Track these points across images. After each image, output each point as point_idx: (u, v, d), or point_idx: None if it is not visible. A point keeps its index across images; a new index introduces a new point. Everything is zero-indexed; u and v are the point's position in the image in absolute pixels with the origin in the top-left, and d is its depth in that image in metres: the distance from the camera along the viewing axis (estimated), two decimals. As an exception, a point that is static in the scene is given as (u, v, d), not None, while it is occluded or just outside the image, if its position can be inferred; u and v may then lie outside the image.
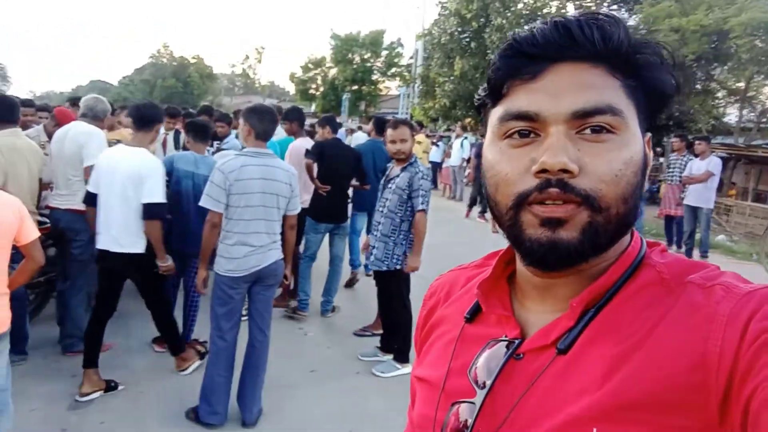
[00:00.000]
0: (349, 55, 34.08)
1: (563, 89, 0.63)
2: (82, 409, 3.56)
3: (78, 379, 3.75)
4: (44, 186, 4.28)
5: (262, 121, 3.27)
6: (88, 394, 3.63)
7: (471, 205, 11.59)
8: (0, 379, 2.64)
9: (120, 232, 3.58)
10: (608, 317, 0.63)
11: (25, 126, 5.27)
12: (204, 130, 4.49)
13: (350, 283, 6.36)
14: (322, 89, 35.38)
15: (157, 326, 4.01)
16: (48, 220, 4.31)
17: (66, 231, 4.23)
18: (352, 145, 7.22)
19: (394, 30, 67.69)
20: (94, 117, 4.41)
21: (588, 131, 0.62)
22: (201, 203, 3.27)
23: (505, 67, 0.66)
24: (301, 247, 5.39)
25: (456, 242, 8.69)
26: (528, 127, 0.64)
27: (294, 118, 5.75)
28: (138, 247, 3.62)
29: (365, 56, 34.52)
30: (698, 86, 17.21)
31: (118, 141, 5.91)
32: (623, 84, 0.64)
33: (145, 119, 3.67)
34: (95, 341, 3.72)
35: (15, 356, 4.01)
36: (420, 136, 13.46)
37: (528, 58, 0.64)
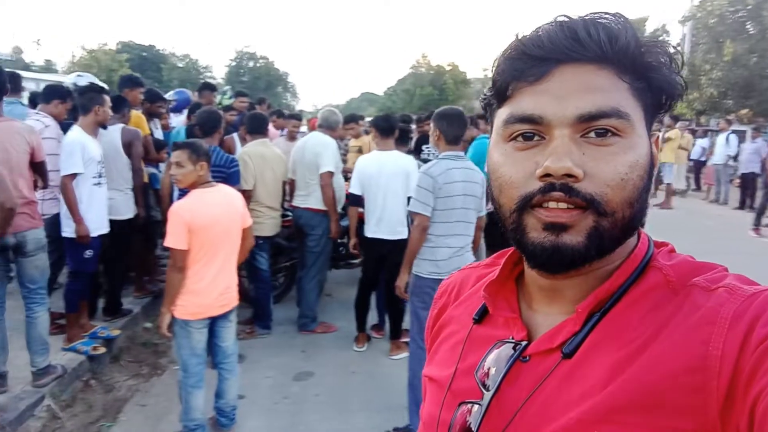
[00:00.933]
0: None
1: (569, 92, 0.61)
2: (303, 381, 4.14)
3: (307, 354, 4.41)
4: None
5: (452, 125, 3.37)
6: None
7: (759, 216, 9.59)
8: (231, 345, 3.24)
9: (392, 222, 4.27)
10: (613, 322, 0.63)
11: (292, 137, 6.25)
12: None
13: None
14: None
15: (387, 311, 4.49)
16: (290, 214, 5.07)
17: (303, 226, 4.93)
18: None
19: (657, 17, 61.49)
20: (328, 127, 5.04)
21: (593, 135, 0.61)
22: (410, 208, 3.41)
23: (509, 69, 0.65)
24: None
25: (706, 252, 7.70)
26: (532, 130, 0.63)
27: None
28: (405, 233, 4.10)
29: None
30: None
31: (360, 147, 6.66)
32: (631, 86, 0.63)
33: (387, 129, 4.38)
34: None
35: (261, 330, 4.84)
36: (674, 131, 12.18)
37: (533, 59, 0.63)
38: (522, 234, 0.64)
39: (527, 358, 0.67)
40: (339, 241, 5.60)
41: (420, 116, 7.41)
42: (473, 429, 0.66)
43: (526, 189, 0.63)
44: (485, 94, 0.72)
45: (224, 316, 3.15)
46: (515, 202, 0.64)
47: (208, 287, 2.99)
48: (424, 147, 6.15)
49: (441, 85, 47.22)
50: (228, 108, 6.46)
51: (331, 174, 4.76)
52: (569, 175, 0.60)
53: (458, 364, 0.74)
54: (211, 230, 2.94)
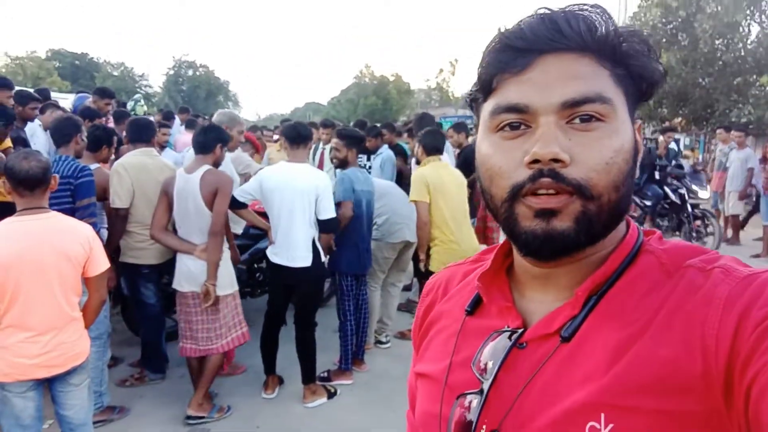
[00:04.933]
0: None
1: (552, 80, 0.63)
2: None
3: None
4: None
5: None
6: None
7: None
8: (79, 414, 2.53)
9: (296, 247, 3.62)
10: (610, 304, 0.64)
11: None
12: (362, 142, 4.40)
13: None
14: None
15: (298, 351, 3.86)
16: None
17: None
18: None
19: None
20: None
21: (578, 121, 0.63)
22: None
23: (494, 61, 0.67)
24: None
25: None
26: (518, 119, 0.65)
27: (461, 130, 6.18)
28: (310, 260, 3.64)
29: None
30: None
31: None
32: (612, 73, 0.65)
33: (297, 138, 3.74)
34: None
35: (153, 375, 4.10)
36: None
37: (516, 51, 0.65)
38: (514, 223, 0.65)
39: (524, 344, 0.67)
40: (256, 266, 4.97)
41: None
42: (473, 420, 0.66)
43: (516, 178, 0.64)
44: (471, 90, 0.73)
45: (62, 378, 2.43)
46: (506, 191, 0.65)
47: (22, 343, 2.29)
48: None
49: (385, 95, 47.33)
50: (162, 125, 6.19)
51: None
52: (556, 161, 0.61)
53: (453, 357, 0.74)
54: (11, 271, 2.24)
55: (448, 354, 0.74)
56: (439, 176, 4.07)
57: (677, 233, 8.61)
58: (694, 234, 8.40)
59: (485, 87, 0.68)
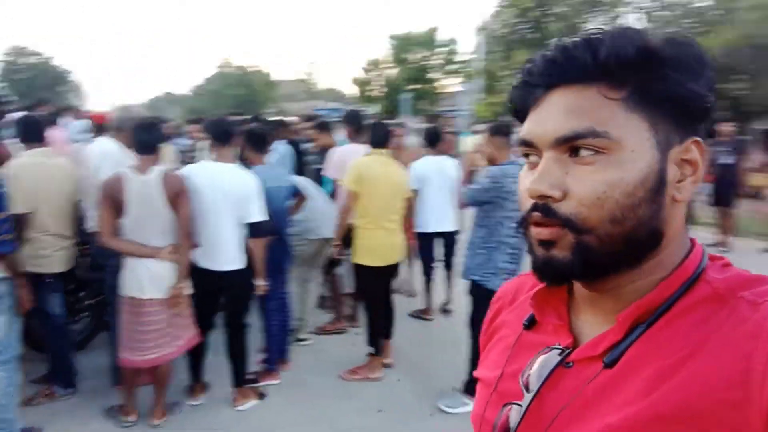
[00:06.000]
0: (407, 55, 33.66)
1: (550, 116, 0.65)
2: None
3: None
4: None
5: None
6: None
7: None
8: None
9: (226, 250, 3.55)
10: (657, 334, 0.63)
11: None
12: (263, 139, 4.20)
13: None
14: (385, 90, 35.05)
15: (229, 353, 3.78)
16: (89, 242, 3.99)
17: (97, 256, 3.89)
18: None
19: (448, 26, 67.15)
20: (120, 129, 3.97)
21: (577, 154, 0.63)
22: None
23: (515, 97, 0.70)
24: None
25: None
26: (530, 152, 0.68)
27: (350, 122, 5.40)
28: (240, 263, 3.59)
29: (422, 55, 34.00)
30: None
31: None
32: (627, 99, 0.63)
33: (222, 135, 3.61)
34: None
35: (62, 390, 3.79)
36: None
37: (529, 86, 0.67)
38: (529, 247, 0.68)
39: (570, 364, 0.68)
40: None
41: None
42: (512, 430, 0.68)
43: (525, 206, 0.67)
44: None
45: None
46: (522, 217, 0.68)
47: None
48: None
49: (249, 86, 46.18)
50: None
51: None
52: (547, 196, 0.63)
53: (505, 366, 0.76)
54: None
55: (503, 363, 0.77)
56: (374, 168, 4.07)
57: None
58: None
59: (519, 118, 0.71)
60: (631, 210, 0.62)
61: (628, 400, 0.61)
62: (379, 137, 4.17)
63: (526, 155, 0.69)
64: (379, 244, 4.10)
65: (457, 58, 32.59)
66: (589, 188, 0.62)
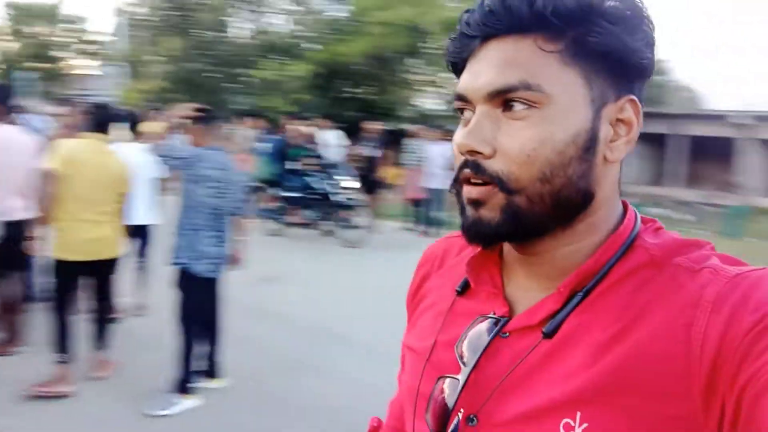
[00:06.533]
0: (27, 28, 28.87)
1: (484, 68, 0.62)
2: None
3: None
4: None
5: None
6: None
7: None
8: None
9: None
10: (596, 302, 0.62)
11: None
12: None
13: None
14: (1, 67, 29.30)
15: None
16: None
17: None
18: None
19: (75, 2, 59.85)
20: None
21: (510, 109, 0.61)
22: None
23: (452, 50, 0.67)
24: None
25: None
26: (464, 107, 0.66)
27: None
28: None
29: (46, 30, 29.64)
30: (400, 78, 19.01)
31: None
32: (563, 52, 0.61)
33: None
34: None
35: None
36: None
37: (466, 38, 0.65)
38: (459, 207, 0.67)
39: (507, 334, 0.67)
40: None
41: None
42: (450, 404, 0.66)
43: (458, 163, 0.65)
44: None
45: None
46: (454, 175, 0.66)
47: None
48: None
49: None
50: None
51: None
52: (477, 152, 0.62)
53: (438, 335, 0.73)
54: None
55: (435, 332, 0.74)
56: (83, 152, 3.56)
57: (322, 224, 8.91)
58: (341, 224, 8.74)
59: (456, 72, 0.69)
60: (560, 168, 0.61)
61: (570, 371, 0.60)
62: (99, 121, 3.70)
63: (461, 110, 0.66)
64: (80, 238, 3.60)
65: (91, 38, 29.51)
66: (519, 145, 0.60)
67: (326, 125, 10.74)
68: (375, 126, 9.68)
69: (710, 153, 22.41)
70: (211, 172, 3.38)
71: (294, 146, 8.99)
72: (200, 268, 3.47)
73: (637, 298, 0.61)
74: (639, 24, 0.62)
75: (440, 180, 9.51)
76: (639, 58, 0.62)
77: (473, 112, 0.64)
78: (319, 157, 9.17)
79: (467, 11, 0.65)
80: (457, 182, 0.66)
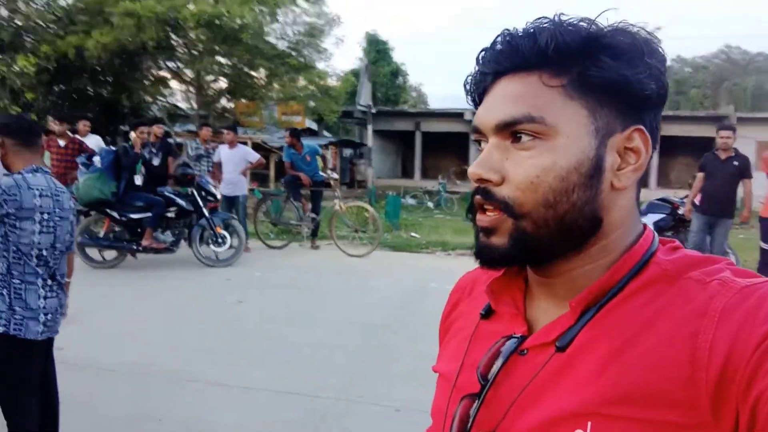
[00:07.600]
0: None
1: (494, 103, 0.67)
2: None
3: None
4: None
5: None
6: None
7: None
8: None
9: None
10: (608, 315, 0.64)
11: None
12: None
13: None
14: None
15: None
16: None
17: None
18: None
19: None
20: None
21: (518, 140, 0.65)
22: None
23: (470, 83, 0.72)
24: None
25: None
26: (480, 138, 0.70)
27: None
28: None
29: None
30: (153, 74, 17.27)
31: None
32: (566, 86, 0.64)
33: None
34: None
35: None
36: None
37: (481, 75, 0.70)
38: (475, 233, 0.70)
39: (525, 351, 0.69)
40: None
41: None
42: (469, 421, 0.68)
43: (471, 191, 0.70)
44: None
45: None
46: (468, 204, 0.71)
47: None
48: None
49: None
50: None
51: None
52: (486, 180, 0.66)
53: (464, 358, 0.75)
54: None
55: (461, 355, 0.76)
56: None
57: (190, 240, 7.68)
58: (219, 241, 7.66)
59: (476, 106, 0.72)
60: (564, 194, 0.64)
61: (580, 382, 0.62)
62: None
63: (478, 142, 0.70)
64: None
65: None
66: (524, 173, 0.64)
67: (85, 129, 9.19)
68: (159, 129, 8.46)
69: (449, 147, 25.33)
70: (41, 201, 2.48)
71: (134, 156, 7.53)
72: (34, 329, 2.58)
73: (647, 311, 0.62)
74: (640, 57, 0.64)
75: (234, 186, 8.90)
76: (642, 89, 0.64)
77: (488, 143, 0.68)
78: (186, 165, 8.27)
79: (483, 50, 0.69)
80: (472, 209, 0.69)
